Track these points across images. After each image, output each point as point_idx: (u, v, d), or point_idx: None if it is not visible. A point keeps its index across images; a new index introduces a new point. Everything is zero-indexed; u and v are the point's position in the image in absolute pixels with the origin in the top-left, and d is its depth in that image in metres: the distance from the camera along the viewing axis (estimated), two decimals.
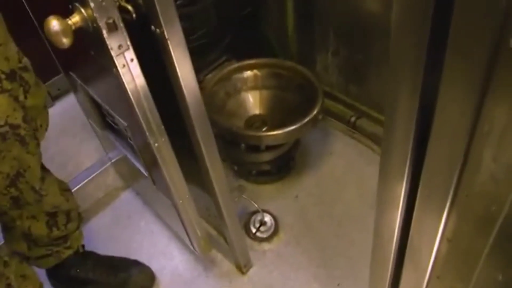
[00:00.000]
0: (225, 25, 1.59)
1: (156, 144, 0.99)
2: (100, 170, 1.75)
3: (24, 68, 1.04)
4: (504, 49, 0.36)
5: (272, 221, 1.57)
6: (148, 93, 0.90)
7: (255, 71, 1.65)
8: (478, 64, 0.39)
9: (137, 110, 0.90)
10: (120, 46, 0.80)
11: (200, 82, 1.63)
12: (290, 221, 1.59)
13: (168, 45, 0.80)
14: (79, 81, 1.23)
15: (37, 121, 1.13)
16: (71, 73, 1.26)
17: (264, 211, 1.58)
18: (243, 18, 1.58)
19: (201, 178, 1.14)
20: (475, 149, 0.46)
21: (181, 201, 1.16)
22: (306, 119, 1.42)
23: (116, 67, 0.82)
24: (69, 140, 2.00)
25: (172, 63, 0.83)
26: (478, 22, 0.37)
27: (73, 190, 1.72)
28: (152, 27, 0.79)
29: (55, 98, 2.26)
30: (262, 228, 1.55)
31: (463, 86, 0.42)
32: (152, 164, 1.09)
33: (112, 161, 1.71)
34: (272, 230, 1.55)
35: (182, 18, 1.40)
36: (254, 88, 1.66)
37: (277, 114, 1.63)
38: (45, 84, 2.11)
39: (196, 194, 1.21)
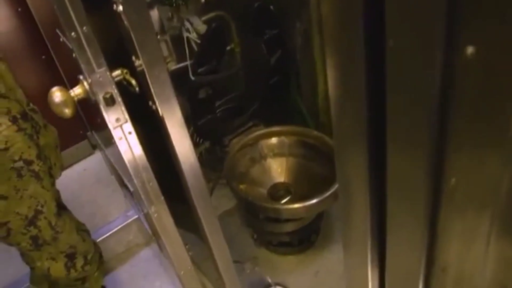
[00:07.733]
0: (253, 91, 1.58)
1: (155, 215, 0.97)
2: (123, 225, 1.75)
3: (34, 110, 1.12)
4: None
5: None
6: (147, 165, 0.89)
7: (283, 137, 1.62)
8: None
9: (135, 180, 0.89)
10: (117, 120, 0.81)
11: (225, 146, 1.62)
12: None
13: (164, 121, 0.79)
14: (99, 141, 1.25)
15: (51, 159, 1.19)
16: (93, 132, 1.29)
17: (280, 284, 1.50)
18: (272, 86, 1.58)
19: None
20: None
21: (182, 272, 1.12)
22: (327, 194, 1.36)
23: (113, 138, 0.82)
24: (102, 189, 2.04)
25: (168, 138, 0.82)
26: None
27: None
28: (150, 102, 0.79)
29: (95, 146, 2.34)
30: None
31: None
32: (155, 231, 1.07)
33: (134, 217, 1.70)
34: None
35: (206, 85, 1.42)
36: (280, 155, 1.62)
37: (303, 184, 1.58)
38: (86, 133, 2.21)
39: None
